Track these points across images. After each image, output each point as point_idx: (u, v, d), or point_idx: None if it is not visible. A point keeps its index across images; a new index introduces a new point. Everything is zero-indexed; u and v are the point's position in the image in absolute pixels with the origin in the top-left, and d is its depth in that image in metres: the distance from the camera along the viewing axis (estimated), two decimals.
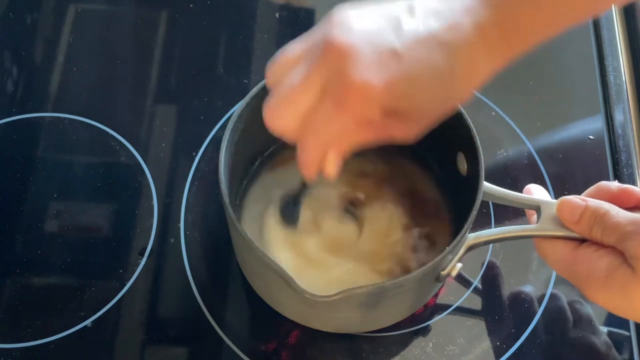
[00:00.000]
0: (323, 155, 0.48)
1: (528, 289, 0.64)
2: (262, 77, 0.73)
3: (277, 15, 0.79)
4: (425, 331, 0.62)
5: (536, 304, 0.63)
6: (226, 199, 0.54)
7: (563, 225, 0.52)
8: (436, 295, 0.63)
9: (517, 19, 0.45)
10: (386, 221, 0.62)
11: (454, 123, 0.56)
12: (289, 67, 0.47)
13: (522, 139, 0.71)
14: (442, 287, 0.63)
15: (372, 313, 0.57)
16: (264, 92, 0.57)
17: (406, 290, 0.55)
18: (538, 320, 0.62)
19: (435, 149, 0.63)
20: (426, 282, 0.57)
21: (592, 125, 0.72)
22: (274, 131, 0.47)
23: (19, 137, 0.71)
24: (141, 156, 0.69)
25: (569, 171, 0.70)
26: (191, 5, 0.79)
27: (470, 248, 0.56)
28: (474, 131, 0.57)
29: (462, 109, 0.57)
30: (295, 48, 0.47)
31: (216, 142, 0.70)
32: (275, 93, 0.47)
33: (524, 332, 0.62)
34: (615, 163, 0.70)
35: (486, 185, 0.56)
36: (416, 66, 0.44)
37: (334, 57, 0.44)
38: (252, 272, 0.60)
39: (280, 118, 0.47)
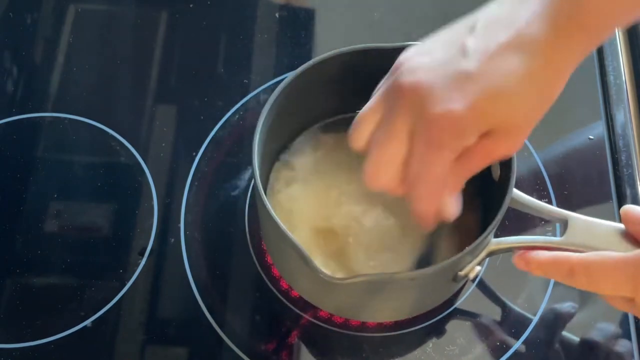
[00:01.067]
0: (439, 199, 0.47)
1: (528, 289, 0.64)
2: (263, 77, 0.74)
3: (277, 15, 0.79)
4: (425, 331, 0.62)
5: (536, 304, 0.63)
6: (256, 166, 0.54)
7: (589, 240, 0.51)
8: None
9: (592, 8, 0.43)
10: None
11: None
12: (370, 125, 0.47)
13: None
14: (460, 290, 0.63)
15: (385, 303, 0.57)
16: (296, 81, 0.58)
17: (420, 285, 0.55)
18: (538, 321, 0.62)
19: None
20: (441, 280, 0.56)
21: (592, 126, 0.72)
22: (380, 190, 0.47)
23: (19, 137, 0.71)
24: (141, 156, 0.69)
25: (569, 171, 0.70)
26: (191, 5, 0.79)
27: (492, 253, 0.56)
28: None
29: None
30: (370, 105, 0.47)
31: (216, 142, 0.70)
32: (369, 155, 0.47)
33: (524, 332, 0.62)
34: (615, 163, 0.70)
35: (516, 192, 0.56)
36: (493, 80, 0.43)
37: (409, 100, 0.44)
38: (273, 246, 0.61)
39: (380, 177, 0.47)
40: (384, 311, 0.60)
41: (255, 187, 0.54)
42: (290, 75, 0.58)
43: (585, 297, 0.63)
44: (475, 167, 0.47)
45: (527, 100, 0.44)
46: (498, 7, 0.46)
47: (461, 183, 0.47)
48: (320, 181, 0.62)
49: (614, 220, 0.66)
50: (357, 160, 0.62)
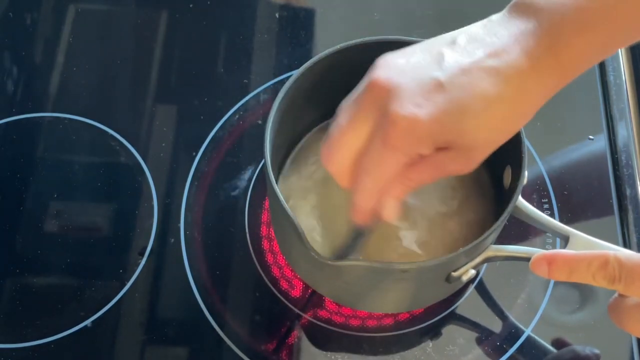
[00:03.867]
0: (378, 201, 0.47)
1: (528, 288, 0.64)
2: (263, 77, 0.74)
3: (277, 15, 0.79)
4: (425, 331, 0.62)
5: (535, 304, 0.63)
6: (267, 141, 0.54)
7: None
8: None
9: (571, 45, 0.44)
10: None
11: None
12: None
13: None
14: (458, 291, 0.62)
15: (377, 293, 0.57)
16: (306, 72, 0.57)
17: (412, 279, 0.54)
18: (537, 321, 0.62)
19: (489, 157, 0.62)
20: (433, 277, 0.56)
21: (592, 126, 0.72)
22: (331, 174, 0.47)
23: (19, 137, 0.71)
24: (141, 156, 0.69)
25: (569, 172, 0.70)
26: (191, 5, 0.79)
27: (489, 260, 0.56)
28: (525, 147, 0.55)
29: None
30: (349, 97, 0.48)
31: (216, 142, 0.70)
32: (329, 136, 0.47)
33: (524, 332, 0.62)
34: (615, 163, 0.70)
35: (522, 203, 0.56)
36: (462, 96, 0.43)
37: (377, 94, 0.44)
38: (277, 226, 0.61)
39: (333, 159, 0.47)
40: (376, 302, 0.60)
41: (264, 164, 0.54)
42: (302, 67, 0.58)
43: (585, 298, 0.63)
44: (425, 178, 0.47)
45: (491, 124, 0.44)
46: (483, 26, 0.46)
47: (407, 190, 0.47)
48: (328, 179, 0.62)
49: (614, 221, 0.67)
50: None
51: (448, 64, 0.44)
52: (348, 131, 0.46)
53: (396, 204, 0.47)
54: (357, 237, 0.52)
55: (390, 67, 0.45)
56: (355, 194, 0.47)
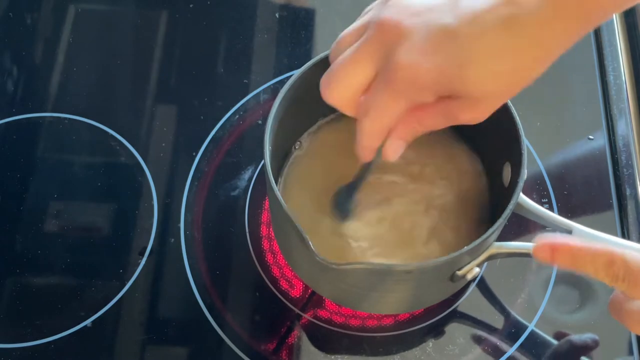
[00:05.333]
0: (381, 138, 0.47)
1: (528, 288, 0.64)
2: (263, 77, 0.74)
3: (277, 15, 0.79)
4: (426, 331, 0.62)
5: (536, 303, 0.63)
6: (267, 142, 0.54)
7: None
8: None
9: None
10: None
11: (508, 132, 0.56)
12: (346, 45, 0.47)
13: None
14: (458, 291, 0.62)
15: (380, 294, 0.57)
16: (314, 68, 0.57)
17: (416, 279, 0.54)
18: (537, 321, 0.62)
19: (488, 154, 0.63)
20: (438, 277, 0.56)
21: (591, 125, 0.72)
22: (330, 103, 0.48)
23: (19, 137, 0.71)
24: (141, 156, 0.69)
25: (569, 171, 0.70)
26: (191, 5, 0.79)
27: (492, 257, 0.56)
28: (524, 143, 0.55)
29: (518, 121, 0.56)
30: (353, 26, 0.47)
31: (216, 142, 0.70)
32: (330, 67, 0.47)
33: (524, 332, 0.62)
34: (615, 163, 0.70)
35: (523, 199, 0.56)
36: (470, 46, 0.41)
37: (385, 36, 0.44)
38: (278, 229, 0.61)
39: (332, 91, 0.47)
40: (379, 303, 0.60)
41: (264, 165, 0.54)
42: (302, 67, 0.57)
43: (585, 297, 0.63)
44: (431, 124, 0.46)
45: (502, 75, 0.42)
46: None
47: (413, 134, 0.47)
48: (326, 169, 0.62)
49: (613, 221, 0.67)
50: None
51: (461, 9, 0.42)
52: (352, 65, 0.46)
53: (400, 144, 0.47)
54: (364, 169, 0.54)
55: (401, 7, 0.44)
56: (358, 133, 0.48)
